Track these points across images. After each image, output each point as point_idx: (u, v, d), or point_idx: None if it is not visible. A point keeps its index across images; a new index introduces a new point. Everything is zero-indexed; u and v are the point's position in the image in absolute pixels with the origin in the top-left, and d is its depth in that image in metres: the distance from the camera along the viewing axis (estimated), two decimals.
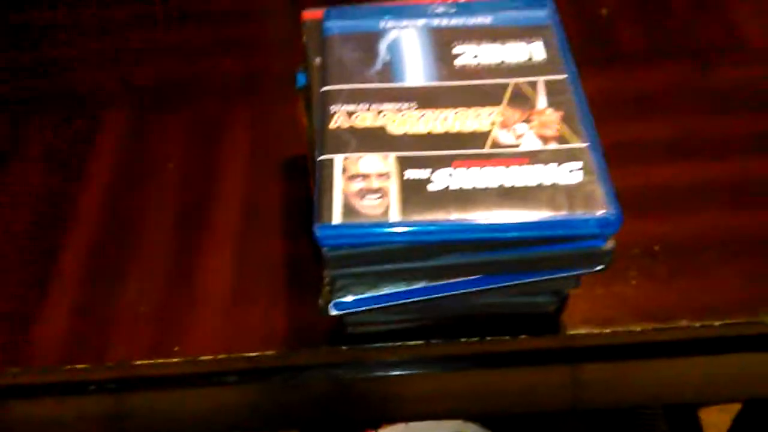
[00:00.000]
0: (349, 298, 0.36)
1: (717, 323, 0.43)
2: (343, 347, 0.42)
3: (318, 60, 0.42)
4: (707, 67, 0.60)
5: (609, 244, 0.34)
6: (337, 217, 0.32)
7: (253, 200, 0.51)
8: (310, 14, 0.46)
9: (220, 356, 0.43)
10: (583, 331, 0.43)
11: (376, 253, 0.34)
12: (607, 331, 0.43)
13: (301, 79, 0.45)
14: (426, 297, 0.36)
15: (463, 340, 0.43)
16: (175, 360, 0.43)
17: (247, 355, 0.43)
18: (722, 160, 0.52)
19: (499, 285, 0.37)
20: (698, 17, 0.62)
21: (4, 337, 0.44)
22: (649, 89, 0.57)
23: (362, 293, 0.36)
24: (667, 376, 0.47)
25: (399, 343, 0.42)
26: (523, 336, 0.43)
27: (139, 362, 0.43)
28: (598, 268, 0.35)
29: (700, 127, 0.54)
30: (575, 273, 0.36)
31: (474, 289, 0.36)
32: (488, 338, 0.43)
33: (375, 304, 0.36)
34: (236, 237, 0.49)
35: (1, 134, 0.56)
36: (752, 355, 0.46)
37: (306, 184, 0.49)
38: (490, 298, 0.39)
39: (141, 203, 0.51)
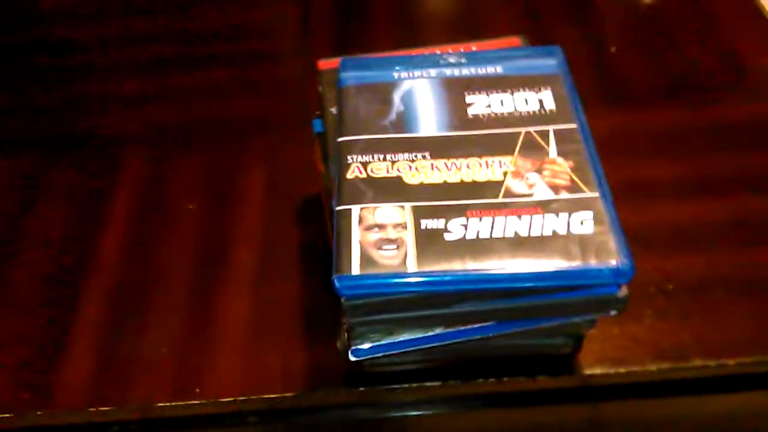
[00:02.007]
0: (366, 345, 0.37)
1: (731, 362, 0.44)
2: (361, 388, 0.43)
3: (334, 110, 0.43)
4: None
5: (623, 291, 0.35)
6: (355, 268, 0.33)
7: (270, 241, 0.52)
8: (326, 64, 0.47)
9: (240, 398, 0.44)
10: (599, 371, 0.44)
11: (393, 302, 0.34)
12: (623, 370, 0.44)
13: (317, 126, 0.47)
14: (443, 343, 0.37)
15: (480, 380, 0.43)
16: (196, 402, 0.43)
17: (266, 396, 0.44)
18: (731, 197, 0.52)
19: (514, 330, 0.37)
20: (706, 56, 0.64)
21: (28, 378, 0.45)
22: (659, 127, 0.58)
23: (380, 340, 0.37)
24: (682, 415, 0.48)
25: (416, 384, 0.43)
26: (539, 376, 0.43)
27: (161, 404, 0.44)
28: (613, 313, 0.36)
29: (710, 164, 0.55)
30: (590, 317, 0.37)
31: (490, 335, 0.37)
32: (505, 379, 0.43)
33: (392, 350, 0.37)
34: (255, 278, 0.50)
35: (25, 177, 0.58)
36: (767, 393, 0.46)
37: (321, 226, 0.51)
38: (506, 341, 0.39)
39: (161, 245, 0.52)
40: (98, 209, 0.55)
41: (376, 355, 0.37)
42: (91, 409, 0.44)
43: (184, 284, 0.50)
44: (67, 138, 0.61)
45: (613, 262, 0.33)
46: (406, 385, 0.43)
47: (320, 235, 0.50)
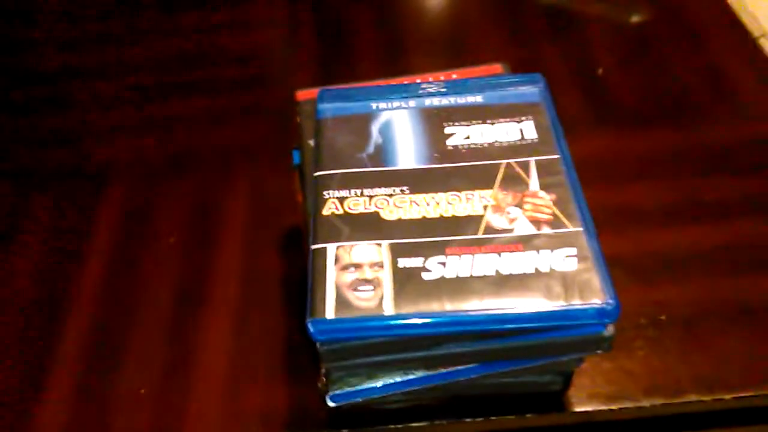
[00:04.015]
0: (345, 390, 0.35)
1: (728, 396, 0.42)
2: (344, 431, 0.42)
3: (311, 142, 0.42)
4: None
5: (609, 330, 0.33)
6: (330, 311, 0.32)
7: (252, 274, 0.51)
8: (305, 94, 0.46)
9: None
10: (589, 407, 0.42)
11: (370, 346, 0.33)
12: (615, 407, 0.42)
13: (296, 158, 0.45)
14: (424, 386, 0.35)
15: (467, 420, 0.42)
16: None
17: None
18: (722, 221, 0.51)
19: (498, 370, 0.36)
20: (694, 77, 0.63)
21: (4, 421, 0.44)
22: (647, 150, 0.57)
23: (359, 384, 0.35)
24: None
25: (401, 426, 0.42)
26: (528, 414, 0.42)
27: None
28: (599, 352, 0.35)
29: (699, 188, 0.54)
30: (576, 356, 0.36)
31: (472, 377, 0.36)
32: (493, 417, 0.42)
33: (372, 395, 0.36)
34: (235, 313, 0.49)
35: (4, 210, 0.57)
36: (765, 427, 0.45)
37: (303, 257, 0.49)
38: (492, 380, 0.38)
39: (140, 280, 0.51)
40: (77, 245, 0.54)
41: (355, 401, 0.36)
42: None
43: (163, 320, 0.49)
44: (46, 168, 0.60)
45: (598, 302, 0.32)
46: (392, 426, 0.42)
47: (302, 266, 0.49)
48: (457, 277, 0.33)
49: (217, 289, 0.50)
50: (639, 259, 0.49)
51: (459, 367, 0.35)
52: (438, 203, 0.36)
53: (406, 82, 0.44)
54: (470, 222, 0.35)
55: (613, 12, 0.70)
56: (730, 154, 0.56)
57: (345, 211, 0.36)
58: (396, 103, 0.42)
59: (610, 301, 0.31)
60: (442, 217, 0.36)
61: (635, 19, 0.69)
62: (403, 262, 0.34)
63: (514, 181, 0.37)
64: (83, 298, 0.50)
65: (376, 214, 0.36)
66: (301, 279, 0.50)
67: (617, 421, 0.43)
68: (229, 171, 0.58)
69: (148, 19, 0.73)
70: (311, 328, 0.32)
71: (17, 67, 0.70)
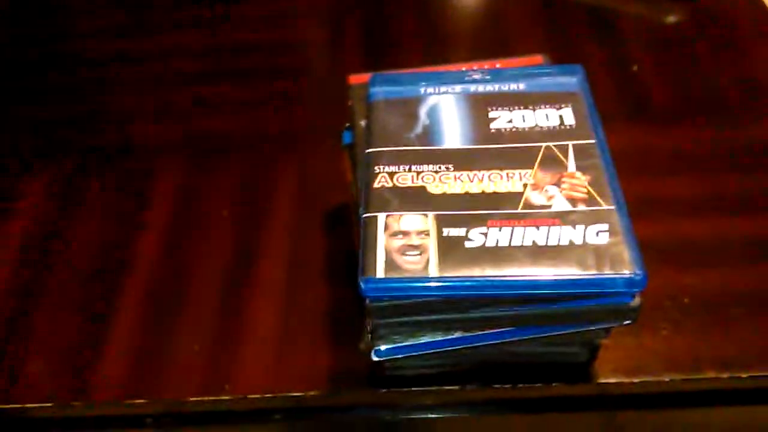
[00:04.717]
0: (389, 346, 0.39)
1: (744, 375, 0.45)
2: (383, 390, 0.45)
3: (363, 122, 0.45)
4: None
5: (636, 301, 0.36)
6: (380, 272, 0.35)
7: (300, 248, 0.54)
8: (356, 78, 0.49)
9: (267, 395, 0.46)
10: (613, 380, 0.45)
11: (415, 305, 0.36)
12: (637, 380, 0.45)
13: (347, 138, 0.49)
14: (461, 346, 0.39)
15: (497, 386, 0.45)
16: (225, 397, 0.46)
17: (292, 395, 0.45)
18: (750, 215, 0.53)
19: (531, 336, 0.39)
20: (726, 74, 0.65)
21: (68, 372, 0.48)
22: (679, 145, 0.59)
23: (402, 341, 0.39)
24: (695, 425, 0.49)
25: (435, 388, 0.45)
26: (555, 384, 0.45)
27: (192, 399, 0.46)
28: (627, 322, 0.37)
29: (727, 183, 0.56)
30: (604, 326, 0.39)
31: (507, 340, 0.39)
32: (521, 385, 0.45)
33: (413, 352, 0.39)
34: (283, 283, 0.52)
35: (63, 184, 0.61)
36: None
37: (349, 234, 0.53)
38: (523, 347, 0.41)
39: (195, 250, 0.55)
40: (135, 217, 0.58)
41: (397, 356, 0.39)
42: (127, 402, 0.46)
43: (215, 287, 0.52)
44: (106, 147, 0.64)
45: (627, 272, 0.34)
46: (425, 389, 0.45)
47: (348, 243, 0.52)
48: (497, 246, 0.36)
49: (267, 263, 0.53)
50: (667, 246, 0.52)
51: (495, 330, 0.38)
52: (481, 180, 0.39)
53: (452, 70, 0.47)
54: (511, 198, 0.38)
55: (650, 11, 0.72)
56: (757, 151, 0.58)
57: (394, 185, 0.40)
58: (443, 89, 0.45)
59: (639, 272, 0.34)
60: (484, 192, 0.39)
61: (671, 19, 0.71)
62: (448, 231, 0.37)
63: (552, 163, 0.40)
64: (141, 264, 0.54)
65: (423, 188, 0.39)
66: (347, 255, 0.53)
67: (639, 394, 0.46)
68: (277, 152, 0.62)
69: (202, 8, 0.77)
70: (363, 285, 0.35)
71: (74, 52, 0.74)
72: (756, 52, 0.67)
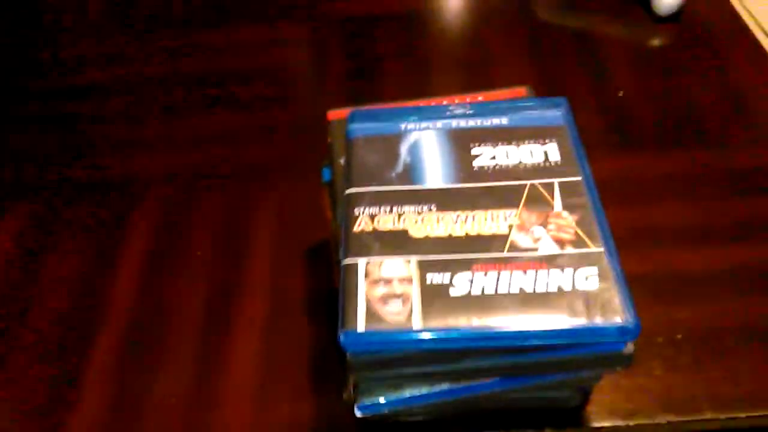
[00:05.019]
0: (373, 400, 0.37)
1: (743, 415, 0.43)
2: None
3: (342, 160, 0.44)
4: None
5: (629, 348, 0.35)
6: (361, 324, 0.34)
7: (280, 287, 0.52)
8: (335, 114, 0.48)
9: None
10: (607, 423, 0.43)
11: (399, 358, 0.35)
12: (632, 423, 0.43)
13: (326, 175, 0.47)
14: (449, 398, 0.37)
15: None
16: None
17: None
18: (740, 244, 0.52)
19: (520, 385, 0.37)
20: (714, 101, 0.64)
21: (39, 425, 0.46)
22: (667, 172, 0.58)
23: (386, 395, 0.37)
24: None
25: None
26: (547, 429, 0.43)
27: None
28: (619, 369, 0.36)
29: (718, 210, 0.55)
30: (596, 373, 0.37)
31: (496, 390, 0.37)
32: (512, 431, 0.43)
33: (398, 406, 0.37)
34: (263, 326, 0.50)
35: (38, 221, 0.59)
36: None
37: (330, 271, 0.51)
38: (513, 394, 0.39)
39: (171, 291, 0.53)
40: (112, 253, 0.56)
41: (383, 411, 0.37)
42: None
43: (193, 331, 0.50)
44: (81, 182, 0.62)
45: (618, 320, 0.33)
46: None
47: (329, 281, 0.50)
48: (483, 293, 0.34)
49: (246, 301, 0.52)
50: (657, 279, 0.50)
51: (483, 381, 0.36)
52: (465, 221, 0.38)
53: (434, 104, 0.46)
54: (496, 240, 0.37)
55: (634, 35, 0.71)
56: (747, 177, 0.57)
57: (375, 228, 0.38)
58: (424, 124, 0.43)
59: (631, 320, 0.33)
60: (468, 235, 0.37)
61: (656, 42, 0.70)
62: (431, 278, 0.35)
63: (538, 202, 0.38)
64: (115, 308, 0.52)
65: (404, 231, 0.38)
66: (327, 294, 0.51)
67: None
68: (258, 187, 0.60)
69: (177, 37, 0.76)
70: (343, 340, 0.34)
71: (51, 84, 0.73)
72: (742, 74, 0.66)
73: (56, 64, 0.74)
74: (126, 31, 0.77)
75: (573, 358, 0.35)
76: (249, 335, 0.50)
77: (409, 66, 0.70)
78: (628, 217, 0.54)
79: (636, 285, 0.49)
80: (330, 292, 0.49)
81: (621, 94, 0.64)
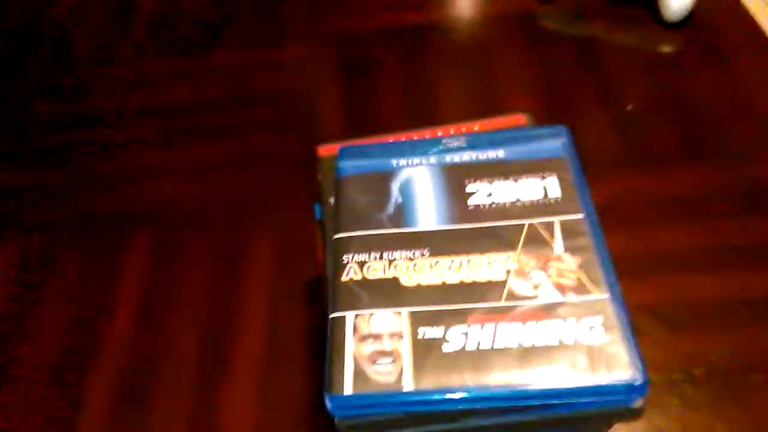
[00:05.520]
0: None
1: None
2: None
3: (332, 200, 0.42)
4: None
5: (638, 402, 0.32)
6: (348, 387, 0.32)
7: (275, 328, 0.51)
8: (326, 150, 0.46)
9: None
10: None
11: (389, 421, 0.32)
12: None
13: (317, 212, 0.45)
14: None
15: None
16: None
17: None
18: (759, 267, 0.49)
19: None
20: (727, 113, 0.61)
21: None
22: (683, 191, 0.55)
23: None
24: None
25: None
26: None
27: None
28: (628, 421, 0.33)
29: (736, 231, 0.52)
30: (603, 427, 0.34)
31: None
32: None
33: None
34: (260, 364, 0.49)
35: (32, 260, 0.58)
36: None
37: (324, 312, 0.49)
38: None
39: (166, 332, 0.52)
40: (104, 297, 0.55)
41: None
42: None
43: (188, 375, 0.49)
44: (74, 218, 0.61)
45: (625, 376, 0.30)
46: None
47: (325, 318, 0.48)
48: (479, 348, 0.32)
49: (241, 344, 0.50)
50: (672, 308, 0.48)
51: None
52: (459, 267, 0.35)
53: (427, 137, 0.43)
54: (493, 288, 0.34)
55: (642, 42, 0.68)
56: (765, 193, 0.54)
57: (364, 277, 0.36)
58: (417, 160, 0.41)
59: (639, 376, 0.30)
60: (463, 282, 0.35)
61: (666, 49, 0.67)
62: (423, 332, 0.33)
63: (537, 243, 0.36)
64: (109, 349, 0.51)
65: (395, 280, 0.36)
66: (322, 332, 0.49)
67: None
68: (253, 220, 0.58)
69: (169, 62, 0.75)
70: (329, 404, 0.32)
71: (38, 115, 0.72)
72: (756, 82, 0.63)
73: (40, 96, 0.73)
74: (119, 59, 0.76)
75: (577, 414, 0.32)
76: (245, 372, 0.48)
77: (409, 82, 0.68)
78: (641, 241, 0.51)
79: (650, 315, 0.47)
80: (325, 331, 0.47)
81: (630, 107, 0.61)
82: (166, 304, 0.53)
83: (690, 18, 0.70)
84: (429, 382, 0.31)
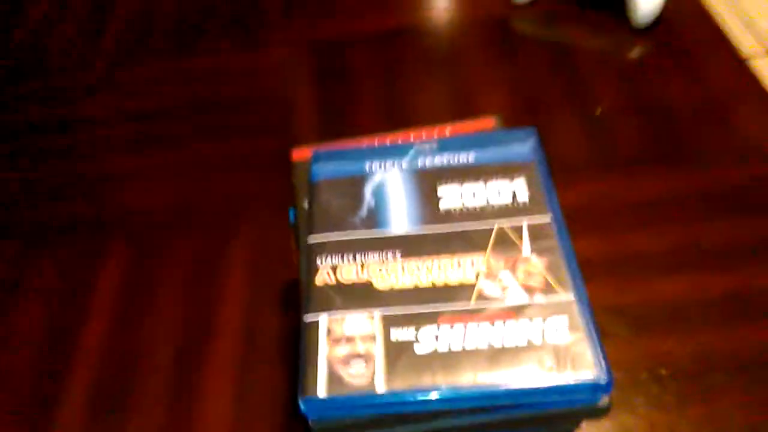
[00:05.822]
0: None
1: None
2: None
3: (306, 203, 0.42)
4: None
5: (604, 400, 0.33)
6: (322, 390, 0.32)
7: (251, 332, 0.51)
8: (300, 154, 0.46)
9: None
10: None
11: (363, 423, 0.33)
12: None
13: (292, 216, 0.46)
14: None
15: None
16: None
17: None
18: (726, 270, 0.50)
19: None
20: (695, 116, 0.62)
21: None
22: (650, 194, 0.56)
23: None
24: None
25: None
26: None
27: None
28: (595, 419, 0.34)
29: (704, 234, 0.53)
30: (571, 426, 0.35)
31: None
32: None
33: None
34: (236, 367, 0.49)
35: (4, 268, 0.57)
36: None
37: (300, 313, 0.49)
38: None
39: (142, 337, 0.51)
40: (79, 301, 0.54)
41: None
42: None
43: (164, 381, 0.49)
44: (48, 225, 0.60)
45: (590, 375, 0.31)
46: None
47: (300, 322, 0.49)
48: (450, 350, 0.33)
49: (219, 343, 0.50)
50: (640, 310, 0.49)
51: None
52: (430, 270, 0.36)
53: (400, 141, 0.44)
54: (462, 290, 0.35)
55: (612, 46, 0.70)
56: (733, 195, 0.55)
57: (337, 281, 0.36)
58: (389, 164, 0.42)
59: (603, 376, 0.31)
60: (434, 285, 0.36)
61: (635, 53, 0.69)
62: (396, 334, 0.34)
63: (506, 246, 0.37)
64: (84, 356, 0.51)
65: (368, 283, 0.36)
66: (298, 335, 0.50)
67: None
68: (231, 223, 0.58)
69: (150, 67, 0.74)
70: (303, 407, 0.32)
71: (16, 120, 0.71)
72: (722, 82, 0.64)
73: (21, 97, 0.73)
74: (101, 61, 0.75)
75: (546, 413, 0.33)
76: (222, 377, 0.48)
77: (384, 86, 0.68)
78: (610, 243, 0.52)
79: (618, 316, 0.48)
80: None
81: (599, 111, 0.63)
82: (141, 312, 0.53)
83: (658, 22, 0.71)
84: (401, 384, 0.32)
